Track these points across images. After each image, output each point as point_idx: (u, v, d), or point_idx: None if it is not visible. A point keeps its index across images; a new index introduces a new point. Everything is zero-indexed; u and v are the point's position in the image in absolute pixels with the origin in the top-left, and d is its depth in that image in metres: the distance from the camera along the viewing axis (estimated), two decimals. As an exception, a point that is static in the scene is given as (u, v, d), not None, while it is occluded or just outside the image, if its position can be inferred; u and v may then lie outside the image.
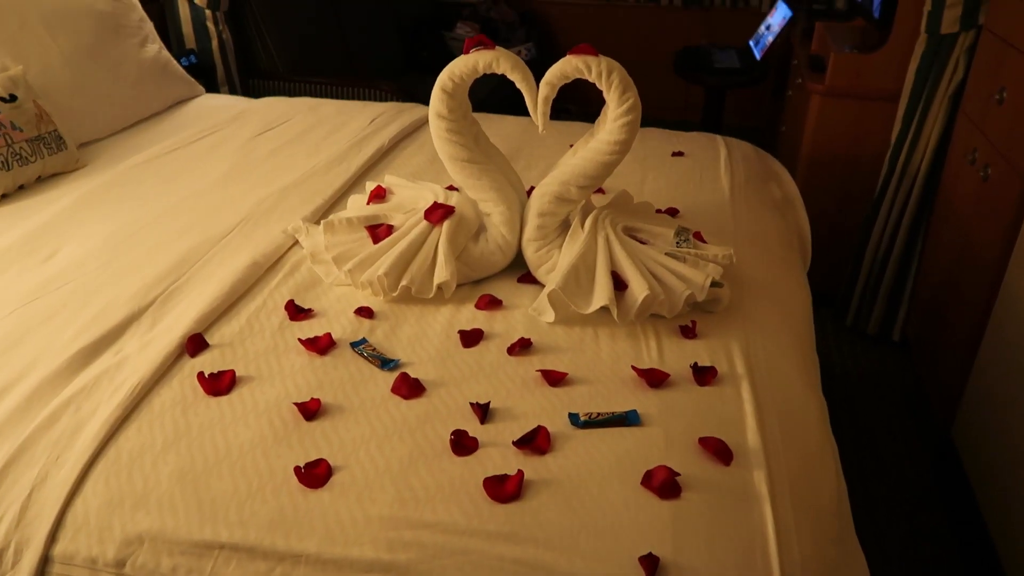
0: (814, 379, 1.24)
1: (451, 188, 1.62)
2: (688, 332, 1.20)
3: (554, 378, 1.08)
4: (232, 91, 2.97)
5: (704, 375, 1.10)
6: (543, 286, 1.31)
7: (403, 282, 1.24)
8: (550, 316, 1.21)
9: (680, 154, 1.93)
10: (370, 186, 1.50)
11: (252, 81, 3.07)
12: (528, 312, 1.24)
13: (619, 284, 1.20)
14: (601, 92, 1.27)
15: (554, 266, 1.29)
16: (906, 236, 2.48)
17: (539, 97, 1.27)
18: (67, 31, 2.02)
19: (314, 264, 1.35)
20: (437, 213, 1.30)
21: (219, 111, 2.21)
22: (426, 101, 2.37)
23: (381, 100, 2.89)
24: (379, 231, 1.33)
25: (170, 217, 1.53)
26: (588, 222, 1.30)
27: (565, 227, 1.35)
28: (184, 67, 2.71)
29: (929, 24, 2.24)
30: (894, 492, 1.92)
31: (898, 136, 2.42)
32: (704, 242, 1.34)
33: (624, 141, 1.26)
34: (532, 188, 1.63)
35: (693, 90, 4.18)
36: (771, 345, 1.22)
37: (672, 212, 1.59)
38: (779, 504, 0.92)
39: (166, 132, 2.04)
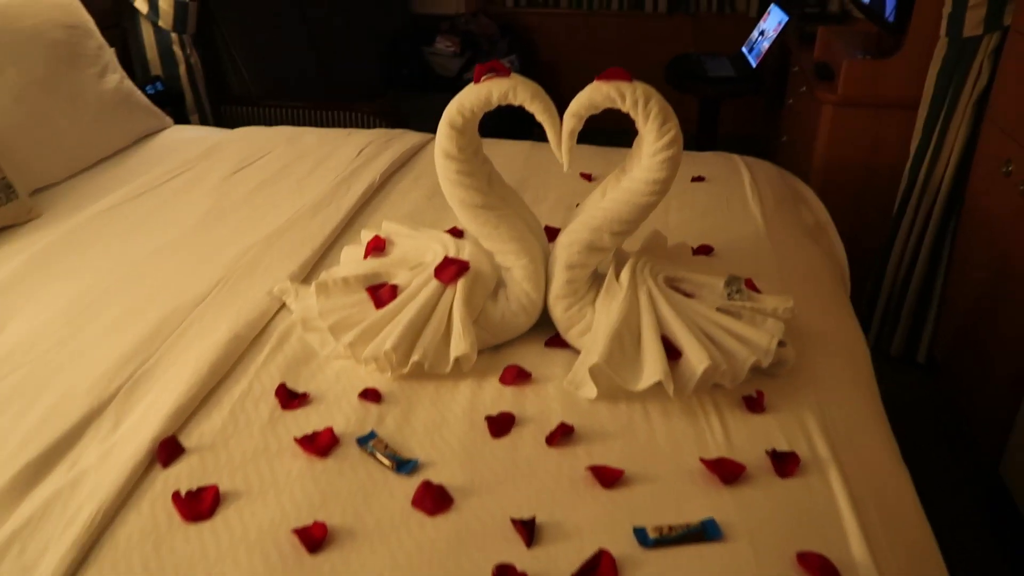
0: (894, 445, 1.07)
1: (455, 231, 1.44)
2: (754, 405, 1.02)
3: (608, 478, 0.90)
4: (203, 119, 2.77)
5: (785, 463, 0.92)
6: (575, 350, 1.13)
7: (414, 357, 1.05)
8: (591, 392, 1.03)
9: (701, 179, 1.76)
10: (366, 236, 1.31)
11: (224, 107, 2.87)
12: (563, 386, 1.05)
13: (671, 352, 1.02)
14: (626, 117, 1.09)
15: (588, 327, 1.11)
16: (929, 252, 2.34)
17: (564, 131, 1.10)
18: (16, 63, 1.81)
19: (306, 332, 1.16)
20: (449, 270, 1.12)
21: (190, 145, 2.01)
22: (410, 121, 2.18)
23: (363, 123, 2.71)
24: (382, 293, 1.14)
25: (136, 278, 1.33)
26: (625, 274, 1.12)
27: (596, 279, 1.17)
28: (149, 95, 2.50)
29: (950, 27, 2.10)
30: (942, 535, 1.75)
31: (919, 146, 2.28)
32: (758, 291, 1.17)
33: (665, 180, 1.09)
34: (548, 228, 1.45)
35: (684, 100, 4.03)
36: (848, 412, 1.05)
37: (706, 250, 1.41)
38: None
39: (131, 172, 1.83)
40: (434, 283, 1.12)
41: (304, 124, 2.74)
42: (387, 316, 1.10)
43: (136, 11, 2.60)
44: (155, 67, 2.69)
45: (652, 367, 0.99)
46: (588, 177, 1.76)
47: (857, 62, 2.36)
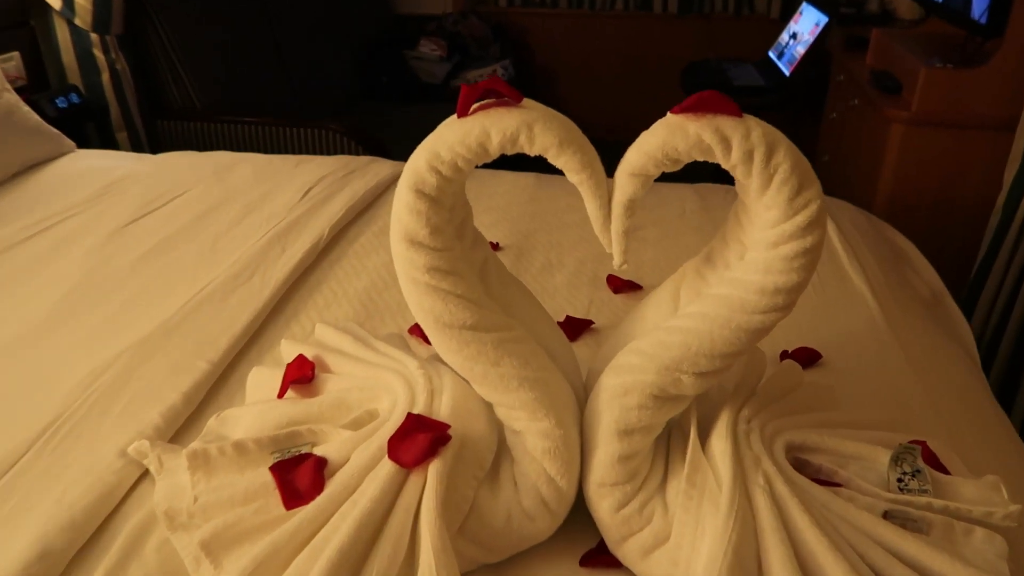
0: None
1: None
2: None
3: None
4: (133, 137, 2.28)
5: None
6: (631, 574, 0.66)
7: (348, 623, 0.57)
8: None
9: (770, 232, 1.29)
10: (288, 351, 0.83)
11: (161, 123, 2.38)
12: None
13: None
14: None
15: (658, 539, 0.64)
16: (1028, 306, 1.88)
17: (615, 203, 0.62)
18: None
19: (174, 534, 0.68)
20: (416, 445, 0.64)
21: (87, 179, 1.52)
22: (388, 140, 1.69)
23: (330, 143, 2.23)
24: (298, 478, 0.65)
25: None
26: (721, 446, 0.65)
27: (663, 442, 0.69)
28: (60, 109, 2.03)
29: (1063, 28, 1.65)
30: None
31: (1017, 175, 1.82)
32: (943, 468, 0.69)
33: (795, 287, 0.62)
34: (569, 319, 0.98)
35: (700, 111, 3.57)
36: None
37: (810, 358, 0.94)
38: None
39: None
40: (388, 467, 0.63)
41: (259, 144, 2.28)
42: (302, 531, 0.61)
43: (47, 6, 2.11)
44: (73, 74, 2.21)
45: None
46: (617, 231, 1.29)
47: (937, 71, 1.90)
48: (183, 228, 1.28)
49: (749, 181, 0.60)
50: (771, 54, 3.13)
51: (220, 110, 2.40)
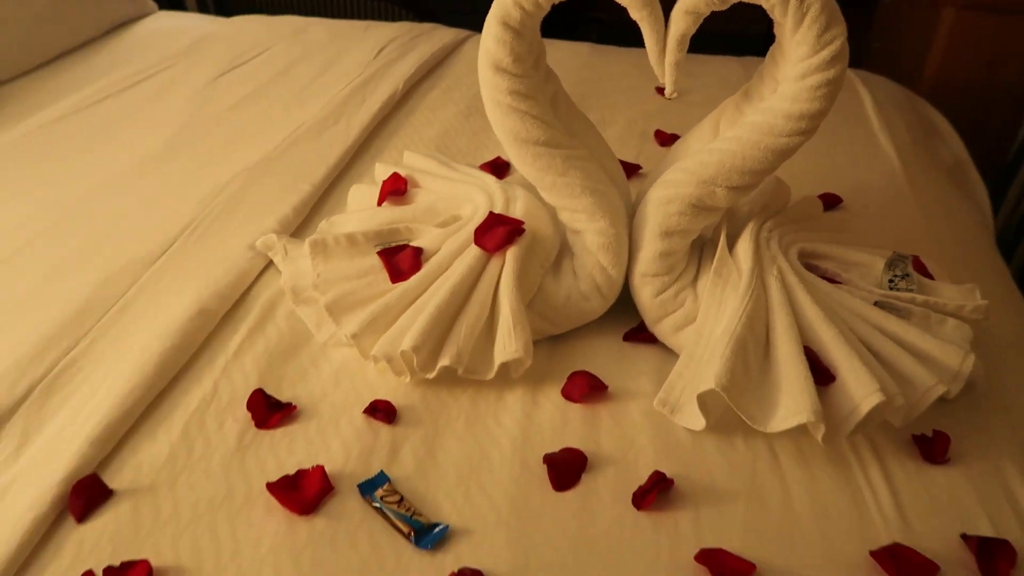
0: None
1: (499, 164, 1.11)
2: (931, 451, 0.71)
3: (735, 572, 0.60)
4: (203, 8, 2.39)
5: (993, 558, 0.62)
6: (666, 349, 0.82)
7: (444, 360, 0.74)
8: (695, 422, 0.71)
9: (808, 100, 1.39)
10: (381, 172, 0.98)
11: (226, -8, 2.47)
12: (654, 407, 0.74)
13: (819, 373, 0.70)
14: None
15: (687, 319, 0.79)
16: (1056, 193, 1.96)
17: (670, 36, 0.74)
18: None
19: (298, 306, 0.85)
20: (496, 234, 0.79)
21: (172, 38, 1.65)
22: (448, 20, 1.78)
23: (382, 14, 2.32)
24: (400, 260, 0.82)
25: (79, 218, 1.01)
26: (744, 247, 0.79)
27: (697, 248, 0.84)
28: (135, -25, 2.13)
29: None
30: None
31: (1060, 63, 1.86)
32: (929, 276, 0.83)
33: (817, 113, 0.74)
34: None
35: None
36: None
37: (831, 202, 1.07)
38: None
39: (96, 70, 1.49)
40: (474, 251, 0.79)
41: (313, 13, 2.37)
42: (407, 296, 0.78)
43: None
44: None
45: (794, 399, 0.67)
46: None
47: (993, -48, 1.91)
48: (269, 80, 1.42)
49: (785, 20, 0.71)
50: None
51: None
